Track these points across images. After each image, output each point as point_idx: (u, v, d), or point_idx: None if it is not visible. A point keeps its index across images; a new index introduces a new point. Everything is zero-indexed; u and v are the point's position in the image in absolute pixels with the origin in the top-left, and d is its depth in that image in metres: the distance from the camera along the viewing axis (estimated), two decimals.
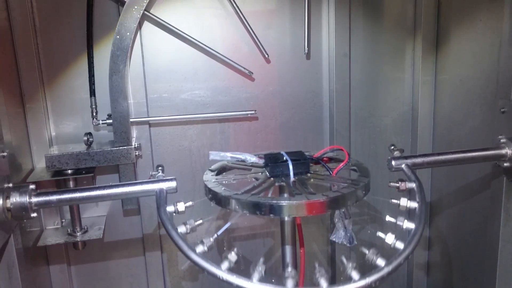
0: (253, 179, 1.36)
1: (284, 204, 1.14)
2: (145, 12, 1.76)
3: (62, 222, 1.92)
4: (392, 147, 1.61)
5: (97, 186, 1.25)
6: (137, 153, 1.86)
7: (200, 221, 1.22)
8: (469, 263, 1.92)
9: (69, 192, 1.24)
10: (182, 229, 1.16)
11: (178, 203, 1.23)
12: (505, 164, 1.48)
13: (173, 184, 1.29)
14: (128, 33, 1.70)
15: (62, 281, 1.98)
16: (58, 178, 1.76)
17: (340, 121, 2.05)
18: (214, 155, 1.40)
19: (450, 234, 2.04)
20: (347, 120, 2.06)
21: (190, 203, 1.25)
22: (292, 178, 1.32)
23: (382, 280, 1.09)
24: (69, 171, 1.76)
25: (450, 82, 1.95)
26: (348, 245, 1.34)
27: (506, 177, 1.56)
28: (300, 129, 2.08)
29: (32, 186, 1.25)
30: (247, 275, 2.19)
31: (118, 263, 2.07)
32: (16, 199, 1.20)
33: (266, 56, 1.93)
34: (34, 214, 1.20)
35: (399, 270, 2.27)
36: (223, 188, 1.27)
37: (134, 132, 1.91)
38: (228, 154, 1.40)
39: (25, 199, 1.20)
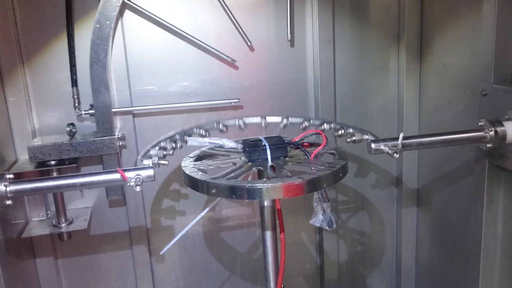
0: (231, 164, 1.35)
1: (259, 186, 1.13)
2: (125, 0, 1.75)
3: (47, 214, 1.91)
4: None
5: (73, 174, 1.25)
6: (120, 143, 1.85)
7: (166, 163, 1.34)
8: (455, 247, 1.92)
9: (45, 180, 1.23)
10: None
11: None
12: (487, 146, 1.47)
13: (150, 172, 1.29)
14: (108, 22, 1.69)
15: (49, 273, 1.97)
16: (41, 169, 1.75)
17: (325, 108, 2.04)
18: (192, 141, 1.40)
19: (437, 219, 2.04)
20: (333, 107, 2.06)
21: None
22: (269, 163, 1.31)
23: None
24: (52, 162, 1.75)
25: (435, 68, 1.95)
26: (327, 228, 1.33)
27: (489, 160, 1.56)
28: None
29: (9, 175, 1.24)
30: (232, 266, 2.20)
31: (105, 256, 2.06)
32: None
33: (249, 43, 1.91)
34: (9, 202, 1.20)
35: (387, 256, 2.29)
36: (200, 173, 1.26)
37: (118, 123, 1.90)
38: (206, 140, 1.40)
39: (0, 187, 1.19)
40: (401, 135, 1.31)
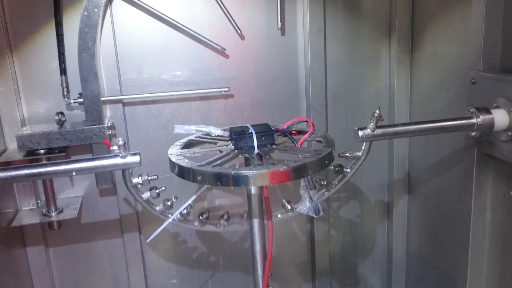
0: (218, 152, 1.35)
1: (244, 173, 1.13)
2: None
3: (37, 203, 1.91)
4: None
5: (56, 161, 1.24)
6: (110, 132, 1.84)
7: (163, 188, 1.35)
8: (445, 235, 1.93)
9: (28, 168, 1.23)
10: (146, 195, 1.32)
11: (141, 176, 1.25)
12: (475, 134, 1.47)
13: (136, 158, 1.28)
14: (96, 9, 1.68)
15: (40, 262, 1.97)
16: (30, 158, 1.74)
17: (316, 98, 2.04)
18: (179, 128, 1.39)
19: (428, 207, 2.05)
20: (323, 96, 2.05)
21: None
22: (256, 150, 1.31)
23: None
24: (42, 151, 1.74)
25: (426, 58, 1.94)
26: (314, 215, 1.33)
27: (477, 148, 1.56)
28: (276, 106, 2.07)
29: None
30: (224, 255, 2.20)
31: (96, 245, 2.06)
32: None
33: (239, 32, 1.90)
34: None
35: (379, 244, 2.30)
36: (186, 161, 1.26)
37: (108, 111, 1.89)
38: (193, 127, 1.40)
39: None
40: (378, 109, 1.32)
